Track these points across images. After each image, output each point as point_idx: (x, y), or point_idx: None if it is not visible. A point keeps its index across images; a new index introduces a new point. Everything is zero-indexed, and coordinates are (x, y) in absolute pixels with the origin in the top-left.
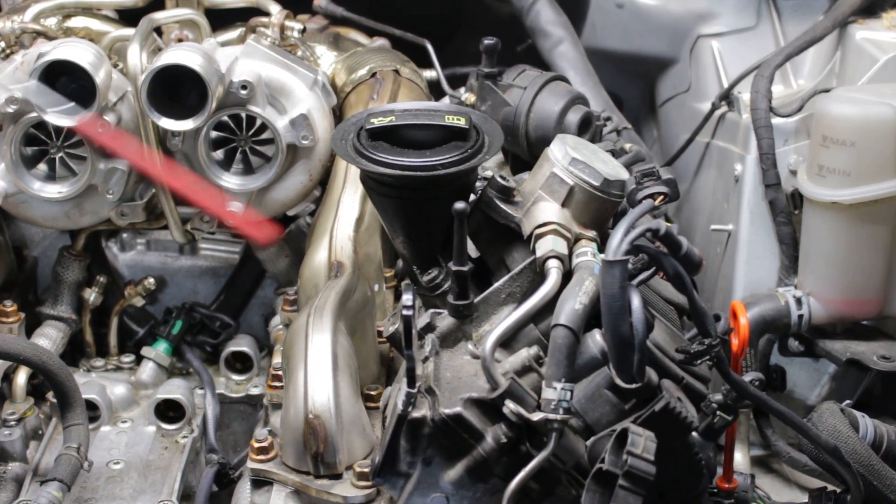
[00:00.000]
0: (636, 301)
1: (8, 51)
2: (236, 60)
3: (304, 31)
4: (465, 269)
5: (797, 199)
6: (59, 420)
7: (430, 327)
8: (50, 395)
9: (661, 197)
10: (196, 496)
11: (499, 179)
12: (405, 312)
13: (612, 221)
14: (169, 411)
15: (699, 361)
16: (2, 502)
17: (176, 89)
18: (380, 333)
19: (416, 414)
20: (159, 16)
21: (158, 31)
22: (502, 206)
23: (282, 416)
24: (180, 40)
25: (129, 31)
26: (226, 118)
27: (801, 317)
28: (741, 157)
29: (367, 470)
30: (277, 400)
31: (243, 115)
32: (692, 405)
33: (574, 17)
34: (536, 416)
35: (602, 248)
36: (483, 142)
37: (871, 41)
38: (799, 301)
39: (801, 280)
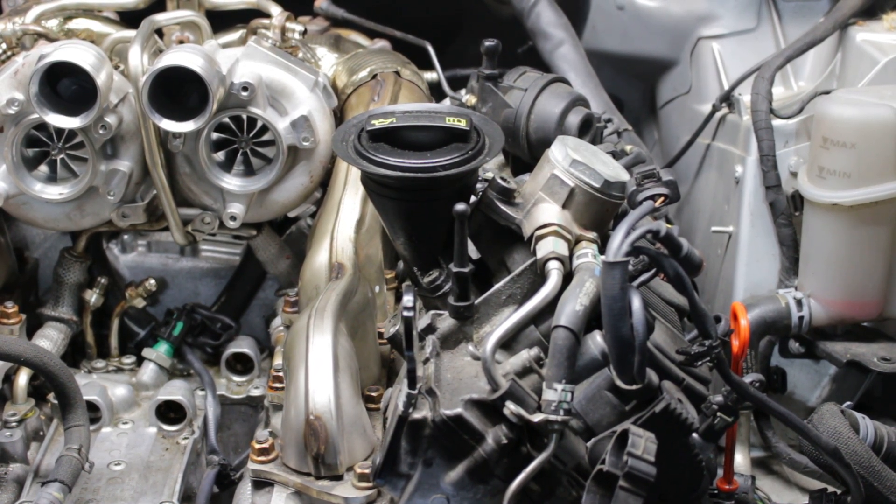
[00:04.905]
0: (637, 302)
1: (9, 52)
2: (237, 62)
3: (304, 32)
4: (466, 270)
5: (798, 200)
6: (60, 421)
7: (430, 329)
8: (51, 397)
9: (662, 198)
10: (197, 497)
11: (499, 181)
12: (406, 314)
13: (613, 223)
14: (170, 412)
15: (700, 363)
16: (3, 503)
17: (177, 91)
18: (381, 335)
19: (416, 415)
20: (160, 17)
21: (159, 32)
22: (503, 207)
23: (283, 418)
24: (181, 42)
25: (131, 33)
26: (227, 120)
27: (801, 318)
28: (742, 159)
29: (367, 471)
30: (278, 401)
31: (244, 116)
32: (693, 406)
33: (574, 19)
34: (537, 418)
35: (603, 249)
36: (484, 143)
37: (871, 43)
38: (799, 303)
39: (802, 282)
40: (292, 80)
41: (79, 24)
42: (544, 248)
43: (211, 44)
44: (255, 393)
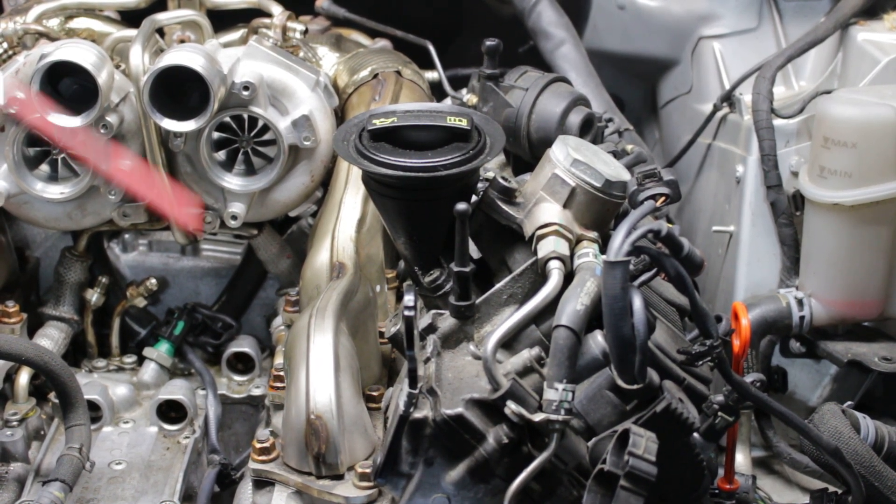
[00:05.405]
0: (637, 302)
1: (10, 52)
2: (238, 61)
3: (306, 32)
4: (467, 269)
5: (798, 200)
6: (61, 420)
7: (431, 328)
8: (52, 396)
9: (663, 198)
10: (198, 497)
11: (500, 180)
12: (407, 313)
13: (614, 222)
14: (171, 412)
15: (700, 362)
16: (4, 502)
17: (178, 90)
18: (381, 334)
19: (417, 415)
20: (161, 17)
21: (161, 32)
22: (504, 207)
23: (283, 417)
24: (182, 41)
25: (132, 32)
26: (228, 119)
27: (802, 318)
28: (742, 159)
29: (368, 470)
30: (279, 400)
31: (245, 116)
32: (693, 406)
33: (576, 19)
34: (538, 417)
35: (604, 249)
36: (485, 143)
37: (872, 43)
38: (800, 302)
39: (803, 281)
40: (293, 80)
41: (80, 23)
42: (545, 248)
43: (212, 43)
44: (256, 392)
